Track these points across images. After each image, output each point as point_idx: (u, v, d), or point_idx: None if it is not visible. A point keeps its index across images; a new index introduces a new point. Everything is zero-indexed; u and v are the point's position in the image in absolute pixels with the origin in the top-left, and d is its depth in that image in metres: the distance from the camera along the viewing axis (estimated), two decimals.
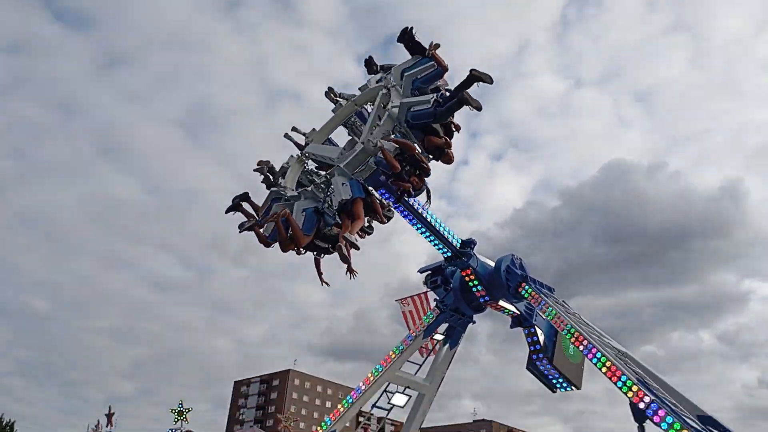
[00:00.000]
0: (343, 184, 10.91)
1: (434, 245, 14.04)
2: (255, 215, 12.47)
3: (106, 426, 34.21)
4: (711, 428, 9.98)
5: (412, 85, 11.66)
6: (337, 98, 13.74)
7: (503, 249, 14.10)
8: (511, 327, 14.85)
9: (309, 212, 11.40)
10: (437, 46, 11.64)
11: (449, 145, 11.45)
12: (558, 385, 14.72)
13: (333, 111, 13.50)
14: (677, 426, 8.89)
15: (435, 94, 11.17)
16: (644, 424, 10.62)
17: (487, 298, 14.00)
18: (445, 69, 11.55)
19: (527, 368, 14.64)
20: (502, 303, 14.30)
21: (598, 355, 10.46)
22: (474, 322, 15.45)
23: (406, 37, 12.09)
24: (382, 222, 11.88)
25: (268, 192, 12.99)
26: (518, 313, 14.43)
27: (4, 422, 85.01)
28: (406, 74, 11.78)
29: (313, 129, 13.58)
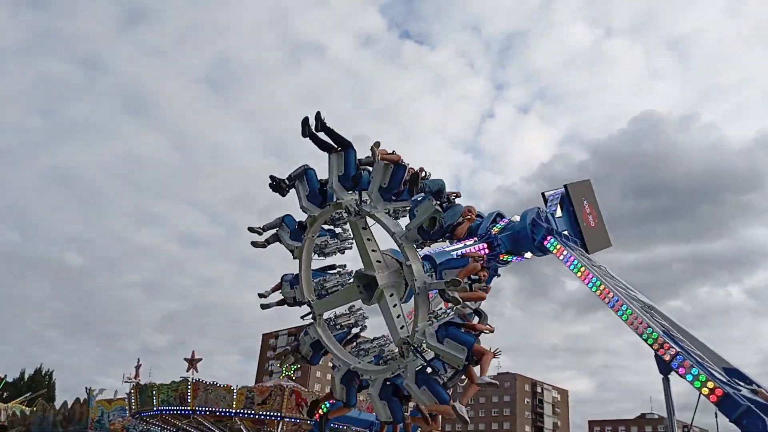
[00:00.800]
0: (446, 342, 9.13)
1: None
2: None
3: (134, 377, 34.97)
4: (737, 380, 9.93)
5: (383, 194, 10.13)
6: (262, 230, 11.78)
7: (529, 203, 13.94)
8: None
9: (424, 378, 9.48)
10: (378, 144, 10.02)
11: (471, 219, 10.47)
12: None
13: (295, 257, 11.54)
14: (702, 378, 8.87)
15: (432, 200, 9.70)
16: (669, 376, 10.64)
17: (519, 259, 13.89)
18: (400, 161, 10.04)
19: None
20: (526, 255, 14.21)
21: (624, 307, 10.41)
22: (498, 275, 15.42)
23: (315, 127, 10.32)
24: (491, 331, 10.68)
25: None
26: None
27: (43, 371, 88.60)
28: (372, 193, 10.20)
29: (288, 286, 11.69)
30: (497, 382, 9.65)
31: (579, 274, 11.82)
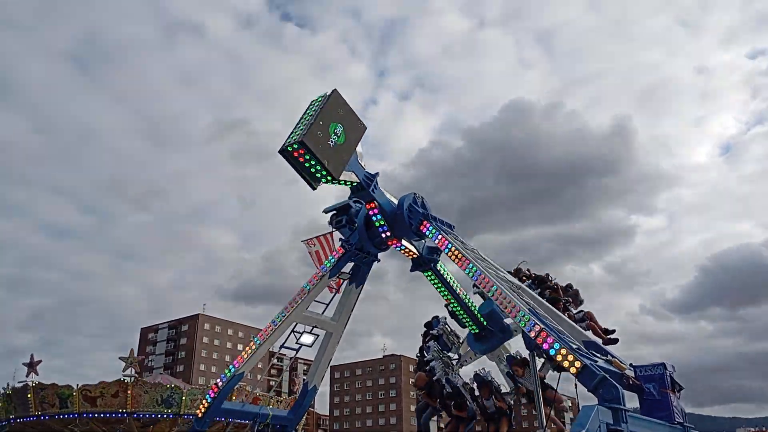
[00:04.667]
0: None
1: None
2: None
3: (27, 376, 30.34)
4: (594, 352, 10.81)
5: None
6: None
7: (409, 188, 14.31)
8: (411, 270, 15.11)
9: None
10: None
11: None
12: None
13: None
14: (563, 351, 9.56)
15: None
16: (535, 351, 11.39)
17: (389, 234, 14.07)
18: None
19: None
20: (404, 243, 14.55)
21: (494, 288, 10.99)
22: (378, 261, 15.72)
23: None
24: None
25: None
26: (418, 254, 14.74)
27: None
28: None
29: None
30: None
31: (456, 260, 12.24)
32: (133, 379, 28.01)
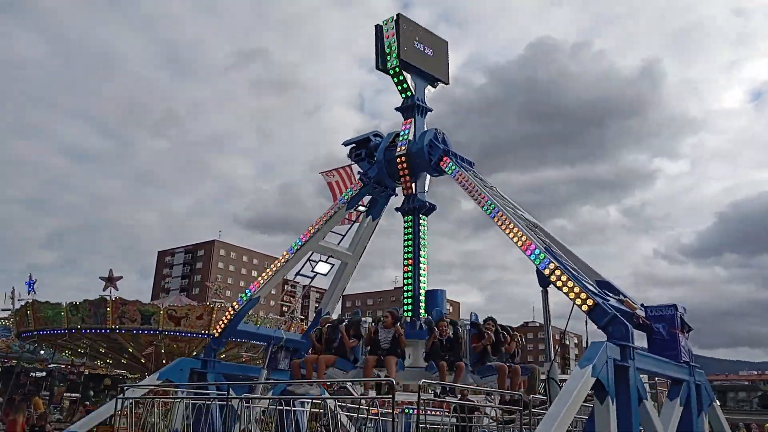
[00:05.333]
0: None
1: None
2: None
3: (104, 290, 30.49)
4: (606, 291, 10.93)
5: None
6: None
7: (428, 125, 14.19)
8: (397, 209, 15.05)
9: None
10: None
11: None
12: None
13: None
14: (576, 289, 9.71)
15: None
16: (548, 288, 11.55)
17: (403, 149, 14.16)
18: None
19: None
20: (416, 184, 14.60)
21: (511, 225, 11.06)
22: (396, 195, 15.80)
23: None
24: None
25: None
26: (414, 193, 14.71)
27: None
28: None
29: None
30: None
31: (473, 195, 12.26)
32: (218, 304, 29.02)
